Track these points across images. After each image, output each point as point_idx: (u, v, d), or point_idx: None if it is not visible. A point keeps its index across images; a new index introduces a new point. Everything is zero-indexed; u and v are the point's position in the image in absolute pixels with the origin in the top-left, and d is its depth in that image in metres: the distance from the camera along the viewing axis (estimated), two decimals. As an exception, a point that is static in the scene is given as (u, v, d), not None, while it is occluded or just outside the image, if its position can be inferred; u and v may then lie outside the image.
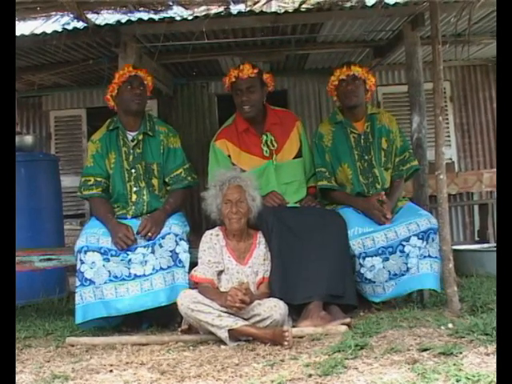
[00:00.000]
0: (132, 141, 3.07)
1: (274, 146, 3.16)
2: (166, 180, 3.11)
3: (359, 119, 3.22)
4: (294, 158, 3.21)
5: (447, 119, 5.53)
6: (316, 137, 3.27)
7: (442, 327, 2.39)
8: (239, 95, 3.11)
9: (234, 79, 3.13)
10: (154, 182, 3.07)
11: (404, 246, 2.87)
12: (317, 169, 3.21)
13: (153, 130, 3.11)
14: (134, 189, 3.03)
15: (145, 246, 2.83)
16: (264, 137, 3.16)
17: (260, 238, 2.79)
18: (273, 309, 2.45)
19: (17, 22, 3.17)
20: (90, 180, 3.04)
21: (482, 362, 1.85)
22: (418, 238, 2.86)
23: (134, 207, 3.02)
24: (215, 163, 3.18)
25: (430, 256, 2.84)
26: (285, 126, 3.24)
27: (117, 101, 3.11)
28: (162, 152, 3.09)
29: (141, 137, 3.08)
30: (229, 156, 3.17)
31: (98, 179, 3.04)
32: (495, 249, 3.66)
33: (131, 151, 3.05)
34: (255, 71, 3.11)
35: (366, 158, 3.17)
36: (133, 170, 3.04)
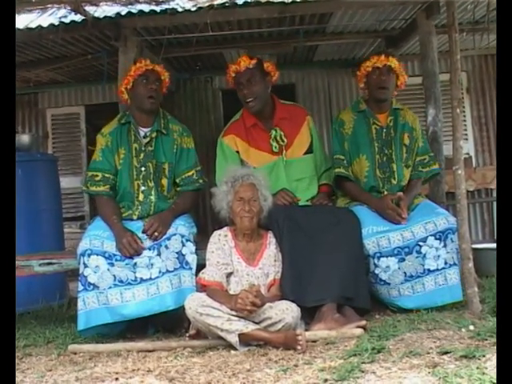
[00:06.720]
0: (144, 137, 2.97)
1: (283, 141, 3.07)
2: (177, 181, 3.02)
3: (383, 112, 3.13)
4: (305, 153, 3.13)
5: (464, 112, 5.35)
6: (336, 123, 3.18)
7: (463, 329, 2.31)
8: (241, 89, 3.04)
9: (233, 74, 3.06)
10: (164, 182, 2.97)
11: (421, 246, 2.78)
12: (334, 156, 3.12)
13: (166, 128, 3.02)
14: (142, 188, 2.92)
15: (150, 249, 2.73)
16: (273, 132, 3.08)
17: (270, 239, 2.71)
18: (285, 312, 2.37)
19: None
20: (97, 175, 2.92)
21: (507, 365, 1.77)
22: (436, 239, 2.77)
23: (140, 207, 2.92)
24: (223, 160, 3.11)
25: (455, 264, 2.75)
26: (294, 120, 3.15)
27: (131, 95, 3.00)
28: (174, 152, 2.99)
29: (154, 134, 2.97)
30: (237, 152, 3.09)
31: (106, 175, 2.92)
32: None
33: (143, 148, 2.95)
34: (253, 62, 3.03)
35: (386, 152, 3.08)
36: (142, 168, 2.93)
